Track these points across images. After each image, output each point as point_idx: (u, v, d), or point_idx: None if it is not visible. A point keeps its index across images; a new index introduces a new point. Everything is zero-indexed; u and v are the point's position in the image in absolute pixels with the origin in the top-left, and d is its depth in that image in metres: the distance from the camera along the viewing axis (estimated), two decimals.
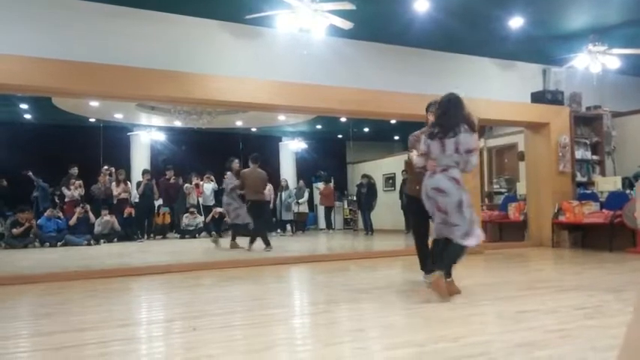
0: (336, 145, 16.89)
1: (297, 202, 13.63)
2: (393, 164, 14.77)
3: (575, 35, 7.53)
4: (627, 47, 7.25)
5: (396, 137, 17.31)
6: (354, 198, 14.68)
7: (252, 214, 8.36)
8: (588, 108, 8.91)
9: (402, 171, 13.39)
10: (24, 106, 11.46)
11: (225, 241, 9.00)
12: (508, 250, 7.90)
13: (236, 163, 9.00)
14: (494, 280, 5.09)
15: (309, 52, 6.72)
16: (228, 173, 8.96)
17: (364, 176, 13.70)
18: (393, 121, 11.59)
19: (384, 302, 3.86)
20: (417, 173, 4.16)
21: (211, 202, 12.88)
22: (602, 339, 2.56)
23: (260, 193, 8.50)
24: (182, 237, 12.10)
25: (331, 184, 14.58)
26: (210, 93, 6.31)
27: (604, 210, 7.48)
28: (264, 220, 8.83)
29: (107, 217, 10.97)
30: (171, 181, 12.54)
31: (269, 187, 13.11)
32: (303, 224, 14.10)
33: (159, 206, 12.27)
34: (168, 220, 12.45)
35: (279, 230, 13.40)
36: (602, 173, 8.73)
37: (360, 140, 15.91)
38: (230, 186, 8.75)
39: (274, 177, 14.23)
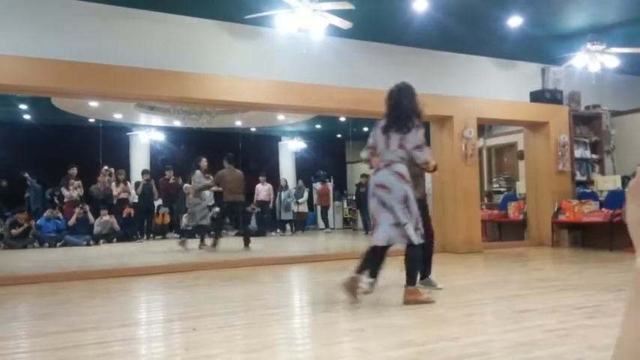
0: (335, 145, 16.89)
1: (297, 202, 13.63)
2: None
3: (573, 34, 7.54)
4: (626, 46, 7.26)
5: None
6: (354, 197, 14.67)
7: (228, 214, 8.28)
8: (587, 107, 8.91)
9: None
10: (23, 106, 11.45)
11: (193, 243, 8.63)
12: (507, 249, 7.91)
13: (204, 162, 8.83)
14: (494, 279, 5.10)
15: (308, 52, 6.72)
16: (197, 172, 8.76)
17: (363, 176, 13.70)
18: None
19: (383, 302, 3.86)
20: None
21: (211, 202, 12.87)
22: (601, 338, 2.56)
23: (238, 194, 8.35)
24: (181, 237, 12.08)
25: (328, 184, 14.57)
26: (209, 93, 6.31)
27: (603, 209, 7.48)
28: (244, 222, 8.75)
29: (106, 218, 10.96)
30: (171, 181, 12.53)
31: (268, 187, 13.13)
32: (302, 224, 14.09)
33: (158, 206, 12.26)
34: (167, 220, 12.44)
35: (278, 230, 13.40)
36: (602, 172, 8.73)
37: (359, 140, 15.88)
38: (200, 185, 8.55)
39: (274, 177, 14.23)
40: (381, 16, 6.88)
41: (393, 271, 3.97)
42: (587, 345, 2.50)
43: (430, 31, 7.25)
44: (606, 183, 8.13)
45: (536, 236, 8.37)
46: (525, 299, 3.79)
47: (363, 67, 7.45)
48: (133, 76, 5.82)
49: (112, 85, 5.78)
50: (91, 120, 12.85)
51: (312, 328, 3.25)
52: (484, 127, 10.41)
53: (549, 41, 7.91)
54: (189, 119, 11.73)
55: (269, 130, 15.04)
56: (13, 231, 9.98)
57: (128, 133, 13.85)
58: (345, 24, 5.95)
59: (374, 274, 3.85)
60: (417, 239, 3.62)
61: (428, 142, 8.70)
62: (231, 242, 8.49)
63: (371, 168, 3.89)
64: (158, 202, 12.26)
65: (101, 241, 10.61)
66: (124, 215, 11.29)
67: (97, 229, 10.84)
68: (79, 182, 11.34)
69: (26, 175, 11.64)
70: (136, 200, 11.64)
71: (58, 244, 10.19)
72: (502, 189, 10.51)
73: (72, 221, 10.65)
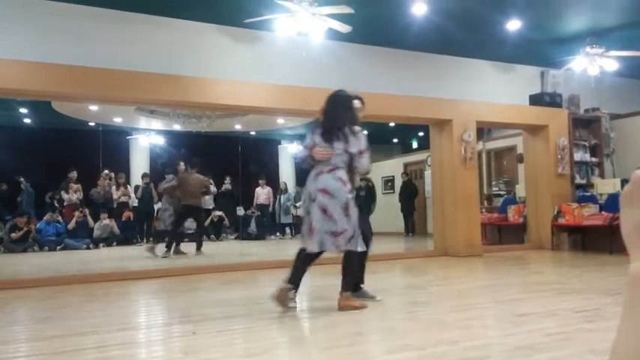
0: None
1: (295, 206, 13.63)
2: (392, 167, 14.78)
3: (572, 38, 7.55)
4: (625, 49, 7.27)
5: (395, 140, 17.32)
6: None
7: (185, 218, 8.20)
8: (586, 110, 8.92)
9: (402, 174, 13.41)
10: (23, 110, 11.47)
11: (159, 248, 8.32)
12: (507, 252, 7.91)
13: (181, 166, 8.77)
14: (494, 282, 5.09)
15: (307, 56, 6.73)
16: (171, 175, 8.69)
17: (363, 179, 13.68)
18: (391, 124, 11.61)
19: (383, 305, 3.85)
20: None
21: (210, 206, 12.87)
22: (601, 342, 2.56)
23: (196, 198, 8.30)
24: (181, 241, 12.07)
25: None
26: (209, 96, 6.31)
27: (603, 212, 7.48)
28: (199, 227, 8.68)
29: (106, 221, 10.96)
30: None
31: (268, 190, 13.13)
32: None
33: (158, 210, 12.26)
34: None
35: (278, 234, 13.39)
36: (601, 175, 8.74)
37: None
38: (163, 187, 8.44)
39: (273, 180, 14.24)
40: (380, 19, 6.89)
41: (392, 274, 3.97)
42: (588, 349, 2.50)
43: (429, 35, 7.27)
44: (606, 186, 8.14)
45: (536, 239, 8.37)
46: (525, 303, 3.79)
47: (362, 70, 7.46)
48: (133, 80, 5.83)
49: (111, 89, 5.79)
50: (91, 124, 12.87)
51: (311, 332, 3.24)
52: (483, 131, 10.42)
53: (548, 44, 7.92)
54: (189, 123, 11.75)
55: (269, 134, 15.05)
56: (13, 235, 9.98)
57: (128, 137, 13.86)
58: (344, 28, 5.96)
59: (297, 282, 3.69)
60: (355, 247, 3.54)
61: (427, 146, 8.75)
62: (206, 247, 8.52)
63: (305, 168, 3.75)
64: (158, 206, 12.26)
65: (101, 244, 10.61)
66: (124, 219, 11.29)
67: (96, 232, 10.84)
68: (79, 186, 11.34)
69: (21, 179, 11.66)
70: (136, 204, 11.65)
71: (58, 247, 10.19)
72: (502, 192, 10.51)
73: (72, 225, 10.65)
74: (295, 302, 3.76)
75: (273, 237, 12.90)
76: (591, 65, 7.42)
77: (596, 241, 7.62)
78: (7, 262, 8.09)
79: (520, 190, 9.32)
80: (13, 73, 5.28)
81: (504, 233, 9.32)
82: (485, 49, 8.15)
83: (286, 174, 15.71)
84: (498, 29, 7.33)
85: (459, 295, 4.34)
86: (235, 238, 12.92)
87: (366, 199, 15.56)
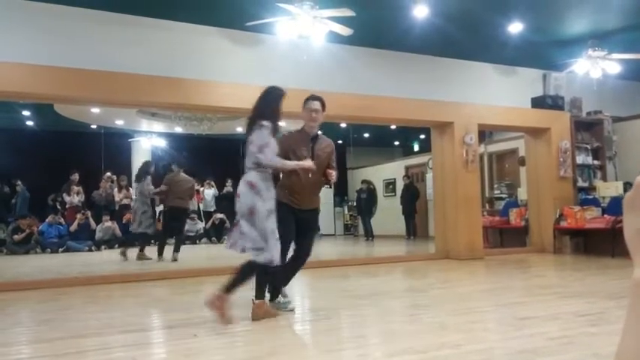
0: (336, 151, 16.86)
1: None
2: (393, 170, 14.77)
3: (574, 40, 7.55)
4: (627, 52, 7.26)
5: (396, 143, 17.33)
6: (354, 203, 14.68)
7: (171, 220, 7.95)
8: (589, 113, 8.91)
9: (403, 176, 13.40)
10: (26, 112, 11.49)
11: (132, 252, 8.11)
12: (509, 255, 7.89)
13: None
14: (496, 286, 5.08)
15: (308, 59, 6.74)
16: (148, 178, 8.30)
17: (364, 182, 13.70)
18: (393, 127, 11.61)
19: (384, 308, 3.85)
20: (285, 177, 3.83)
21: (212, 208, 12.87)
22: (604, 346, 2.55)
23: (184, 200, 8.10)
24: (183, 243, 12.07)
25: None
26: (210, 99, 6.33)
27: (606, 215, 7.47)
28: (180, 229, 8.24)
29: (108, 224, 10.97)
30: None
31: None
32: None
33: (160, 212, 12.27)
34: None
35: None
36: (604, 178, 8.72)
37: (360, 146, 15.92)
38: (153, 190, 8.18)
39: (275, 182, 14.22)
40: (381, 22, 6.90)
41: (394, 277, 3.96)
42: (591, 352, 2.49)
43: (431, 38, 7.27)
44: (608, 189, 8.12)
45: (538, 243, 8.35)
46: (527, 306, 3.78)
47: (363, 73, 7.47)
48: (135, 83, 5.85)
49: (114, 92, 5.80)
50: (93, 126, 12.90)
51: (313, 335, 3.24)
52: (485, 133, 10.41)
53: (550, 47, 7.92)
54: (191, 125, 11.76)
55: None
56: (16, 237, 10.00)
57: (130, 140, 13.88)
58: (345, 30, 5.96)
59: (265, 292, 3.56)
60: (256, 256, 3.32)
61: (428, 149, 8.73)
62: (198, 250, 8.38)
63: None
64: (159, 208, 12.26)
65: (103, 246, 10.62)
66: (124, 221, 11.30)
67: (98, 234, 10.85)
68: (79, 188, 11.36)
69: (19, 182, 11.70)
70: None
71: (60, 249, 10.20)
72: (503, 195, 10.49)
73: (74, 227, 10.67)
74: (288, 304, 3.72)
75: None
76: (593, 68, 7.42)
77: (598, 244, 7.60)
78: (9, 264, 8.10)
79: (522, 193, 9.31)
80: (16, 76, 5.30)
81: (506, 236, 9.30)
82: (487, 52, 8.15)
83: None
84: (500, 32, 7.34)
85: (460, 298, 4.33)
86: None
87: (367, 201, 15.62)
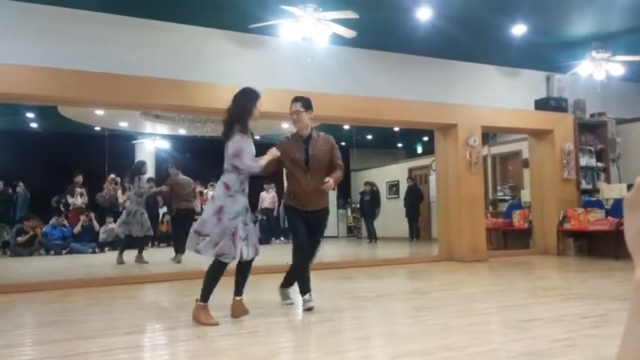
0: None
1: None
2: (396, 172, 14.77)
3: (578, 42, 7.54)
4: (631, 54, 7.25)
5: (400, 145, 17.31)
6: (358, 205, 14.67)
7: (178, 223, 7.92)
8: (592, 115, 8.89)
9: (407, 178, 13.40)
10: (30, 114, 11.55)
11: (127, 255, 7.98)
12: (513, 257, 7.87)
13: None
14: (499, 287, 5.07)
15: (312, 61, 6.75)
16: (143, 177, 8.17)
17: (367, 183, 13.70)
18: (396, 129, 11.60)
19: (388, 310, 3.85)
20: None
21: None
22: (608, 348, 2.54)
23: (189, 202, 8.11)
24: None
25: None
26: (214, 101, 6.33)
27: (609, 217, 7.44)
28: (185, 232, 8.26)
29: (112, 225, 10.99)
30: None
31: (273, 195, 13.13)
32: None
33: (163, 214, 12.29)
34: None
35: (282, 237, 13.39)
36: (607, 180, 8.70)
37: (363, 148, 15.92)
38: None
39: (278, 184, 14.23)
40: (385, 24, 6.91)
41: (398, 279, 3.96)
42: (594, 354, 2.48)
43: (434, 40, 7.27)
44: (612, 191, 8.09)
45: (542, 245, 8.33)
46: (531, 308, 3.77)
47: (367, 75, 7.48)
48: (139, 85, 5.87)
49: (118, 94, 5.82)
50: (97, 128, 12.94)
51: (317, 337, 3.24)
52: (488, 135, 10.40)
53: (554, 49, 7.91)
54: (194, 127, 11.79)
55: (273, 138, 15.02)
56: (20, 238, 10.03)
57: (133, 142, 13.91)
58: (349, 33, 5.98)
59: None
60: (205, 250, 3.36)
61: (432, 151, 8.73)
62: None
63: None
64: (163, 210, 12.29)
65: (106, 248, 10.64)
66: None
67: (102, 236, 10.88)
68: (83, 190, 11.38)
69: (20, 184, 11.74)
70: None
71: (64, 251, 10.22)
72: (507, 197, 10.48)
73: (77, 229, 10.69)
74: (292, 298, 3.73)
75: (277, 241, 12.90)
76: (597, 70, 7.41)
77: (602, 246, 7.58)
78: (13, 266, 8.13)
79: (525, 195, 9.30)
80: (21, 78, 5.32)
81: (509, 238, 9.28)
82: (491, 54, 8.15)
83: None
84: (504, 34, 7.33)
85: (464, 300, 4.32)
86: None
87: (370, 203, 15.60)
